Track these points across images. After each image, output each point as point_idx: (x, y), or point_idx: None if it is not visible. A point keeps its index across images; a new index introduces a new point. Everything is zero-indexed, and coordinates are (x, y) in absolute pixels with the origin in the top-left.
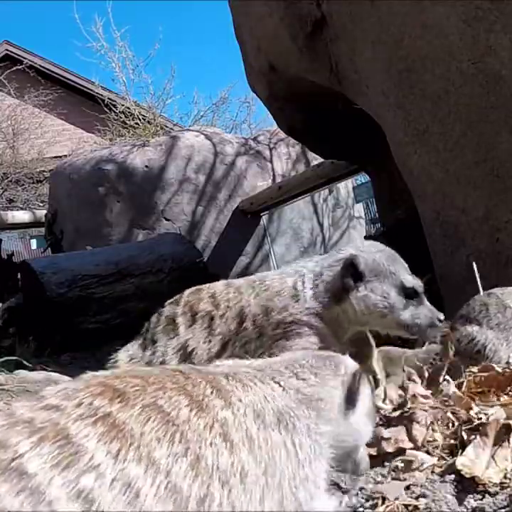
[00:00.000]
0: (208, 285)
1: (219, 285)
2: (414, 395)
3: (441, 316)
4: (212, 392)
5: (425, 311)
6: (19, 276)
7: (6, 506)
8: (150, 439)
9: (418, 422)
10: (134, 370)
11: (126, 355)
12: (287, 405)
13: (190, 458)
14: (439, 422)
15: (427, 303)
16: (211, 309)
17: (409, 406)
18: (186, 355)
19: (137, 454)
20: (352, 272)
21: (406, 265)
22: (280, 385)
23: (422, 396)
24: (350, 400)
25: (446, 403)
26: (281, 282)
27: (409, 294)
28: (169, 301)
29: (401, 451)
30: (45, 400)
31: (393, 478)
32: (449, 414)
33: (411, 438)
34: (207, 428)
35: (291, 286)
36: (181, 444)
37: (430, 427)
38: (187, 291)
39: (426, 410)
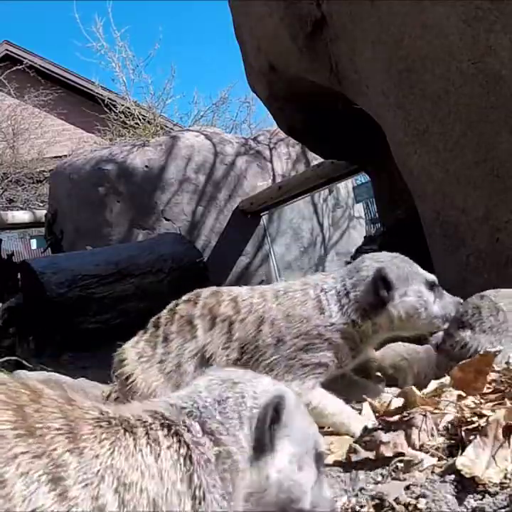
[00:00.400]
0: (227, 288)
1: (241, 289)
2: (413, 400)
3: (461, 300)
4: (59, 428)
5: (449, 300)
6: (19, 276)
7: None
8: None
9: (417, 427)
10: None
11: (135, 352)
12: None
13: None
14: (440, 427)
15: (445, 292)
16: (231, 314)
17: (408, 410)
18: (204, 361)
19: None
20: (384, 284)
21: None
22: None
23: (422, 400)
24: (262, 445)
25: (446, 406)
26: (303, 293)
27: (432, 289)
28: (184, 299)
29: (400, 456)
30: None
31: (393, 479)
32: (448, 416)
33: (410, 442)
34: (35, 459)
35: (313, 298)
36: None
37: (429, 432)
38: (204, 292)
39: (425, 415)
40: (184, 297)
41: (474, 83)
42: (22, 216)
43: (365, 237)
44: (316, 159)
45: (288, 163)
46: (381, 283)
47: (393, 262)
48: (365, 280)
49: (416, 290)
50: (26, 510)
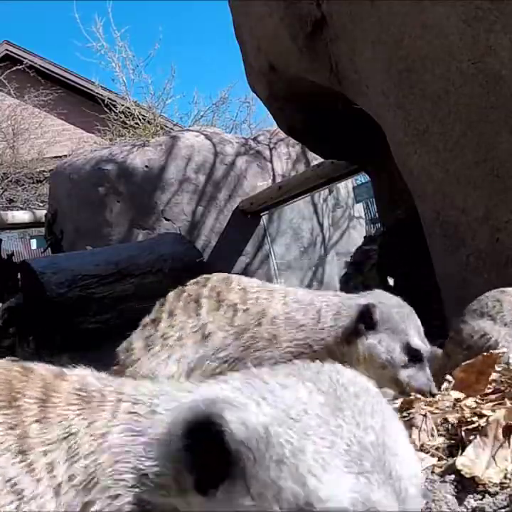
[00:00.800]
0: (238, 276)
1: (253, 281)
2: (414, 400)
3: (435, 390)
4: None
5: (422, 378)
6: (19, 276)
7: None
8: None
9: (417, 427)
10: None
11: (142, 340)
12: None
13: None
14: (440, 427)
15: (428, 371)
16: (238, 302)
17: (409, 411)
18: (203, 337)
19: None
20: (366, 320)
21: (421, 328)
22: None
23: (422, 400)
24: None
25: (447, 406)
26: (309, 302)
27: (413, 356)
28: (192, 281)
29: None
30: None
31: None
32: (448, 416)
33: (410, 442)
34: None
35: (316, 310)
36: None
37: (429, 432)
38: (215, 276)
39: (425, 415)
40: (193, 280)
41: (474, 83)
42: (22, 216)
43: (365, 237)
44: (316, 159)
45: (288, 163)
46: (365, 317)
47: (390, 309)
48: (356, 308)
49: (389, 344)
50: (3, 481)
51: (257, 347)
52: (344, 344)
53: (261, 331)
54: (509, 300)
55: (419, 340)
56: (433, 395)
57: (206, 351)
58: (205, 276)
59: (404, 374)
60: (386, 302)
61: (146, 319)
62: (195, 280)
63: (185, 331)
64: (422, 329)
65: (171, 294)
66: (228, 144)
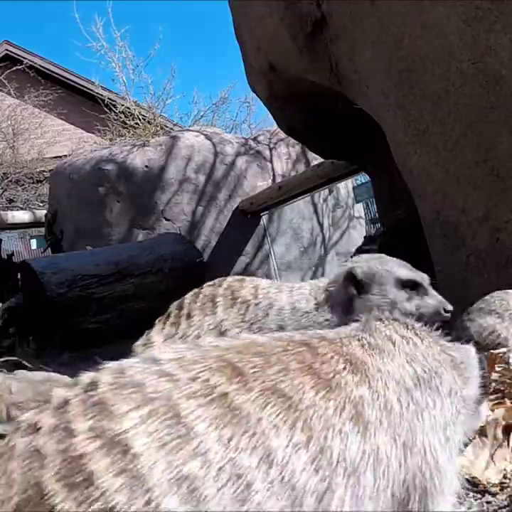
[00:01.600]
0: (251, 278)
1: (264, 281)
2: None
3: (449, 307)
4: (344, 368)
5: (430, 301)
6: (19, 276)
7: (104, 484)
8: (267, 427)
9: None
10: (254, 342)
11: (161, 336)
12: (431, 364)
13: (312, 449)
14: None
15: (434, 293)
16: (250, 298)
17: None
18: (220, 334)
19: (251, 443)
20: (353, 283)
21: (404, 263)
22: (423, 341)
23: None
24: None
25: None
26: (310, 290)
27: (411, 287)
28: (208, 283)
29: None
30: (159, 365)
31: None
32: None
33: None
34: (336, 412)
35: (314, 297)
36: (303, 433)
37: None
38: (230, 278)
39: None
40: (209, 282)
41: (474, 83)
42: (22, 216)
43: (365, 237)
44: (316, 159)
45: (288, 163)
46: (351, 281)
47: (367, 263)
48: (339, 279)
49: (381, 289)
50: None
51: None
52: (348, 315)
53: (268, 321)
54: None
55: (407, 271)
56: (447, 311)
57: None
58: (220, 278)
59: (410, 306)
60: (361, 260)
61: (163, 319)
62: (211, 282)
63: (202, 329)
64: (408, 264)
65: (188, 296)
66: (228, 143)
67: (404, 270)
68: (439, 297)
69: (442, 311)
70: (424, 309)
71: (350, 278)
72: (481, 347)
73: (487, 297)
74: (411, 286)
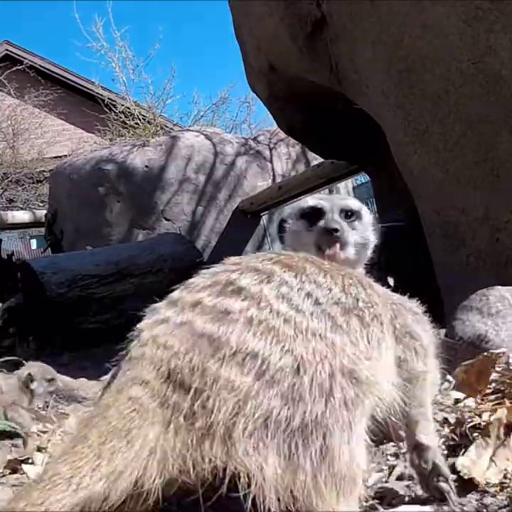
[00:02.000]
0: None
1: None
2: None
3: (333, 225)
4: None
5: (322, 236)
6: (19, 276)
7: (233, 309)
8: (313, 272)
9: None
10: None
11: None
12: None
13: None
14: (440, 427)
15: (331, 217)
16: None
17: None
18: None
19: (306, 279)
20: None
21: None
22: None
23: None
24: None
25: (447, 406)
26: None
27: (313, 216)
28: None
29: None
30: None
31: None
32: (448, 416)
33: None
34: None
35: None
36: (338, 280)
37: None
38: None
39: None
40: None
41: (474, 83)
42: (22, 216)
43: None
44: (316, 159)
45: (288, 163)
46: (279, 225)
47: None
48: None
49: (289, 223)
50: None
51: None
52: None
53: None
54: (494, 294)
55: (310, 199)
56: (335, 230)
57: None
58: None
59: (307, 236)
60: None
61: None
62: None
63: None
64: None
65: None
66: (228, 143)
67: (311, 200)
68: (329, 218)
69: (329, 227)
70: (325, 250)
71: (281, 223)
72: (466, 344)
73: (473, 296)
74: (312, 215)
